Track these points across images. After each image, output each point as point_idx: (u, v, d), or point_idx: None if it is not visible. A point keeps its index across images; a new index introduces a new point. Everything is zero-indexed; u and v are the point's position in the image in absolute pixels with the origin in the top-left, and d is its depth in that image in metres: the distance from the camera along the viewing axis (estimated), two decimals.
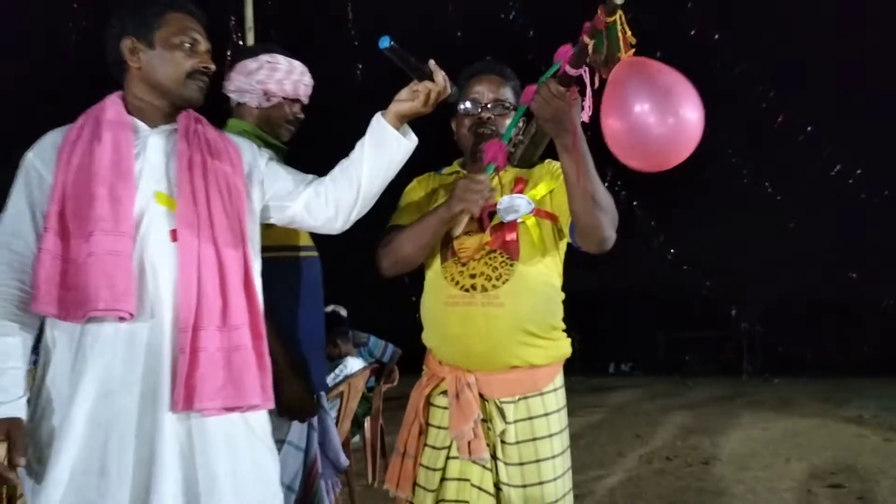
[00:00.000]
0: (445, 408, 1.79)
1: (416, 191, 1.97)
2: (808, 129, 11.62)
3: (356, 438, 4.69)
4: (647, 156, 1.47)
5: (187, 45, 1.55)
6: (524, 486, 1.72)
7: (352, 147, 1.69)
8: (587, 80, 1.53)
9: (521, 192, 1.81)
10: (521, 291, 1.74)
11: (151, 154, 1.53)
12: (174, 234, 1.47)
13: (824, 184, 11.98)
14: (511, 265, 1.75)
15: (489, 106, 1.85)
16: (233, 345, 1.47)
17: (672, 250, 13.79)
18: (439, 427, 1.80)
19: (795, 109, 11.54)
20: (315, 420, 2.04)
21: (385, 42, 1.51)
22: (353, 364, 4.62)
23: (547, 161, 1.87)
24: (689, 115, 1.43)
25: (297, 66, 2.05)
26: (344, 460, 2.15)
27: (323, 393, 2.10)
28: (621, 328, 13.47)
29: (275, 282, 1.70)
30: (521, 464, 1.73)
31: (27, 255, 1.45)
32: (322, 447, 2.07)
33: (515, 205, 1.77)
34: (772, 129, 11.66)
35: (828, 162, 11.84)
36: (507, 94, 1.87)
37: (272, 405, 1.54)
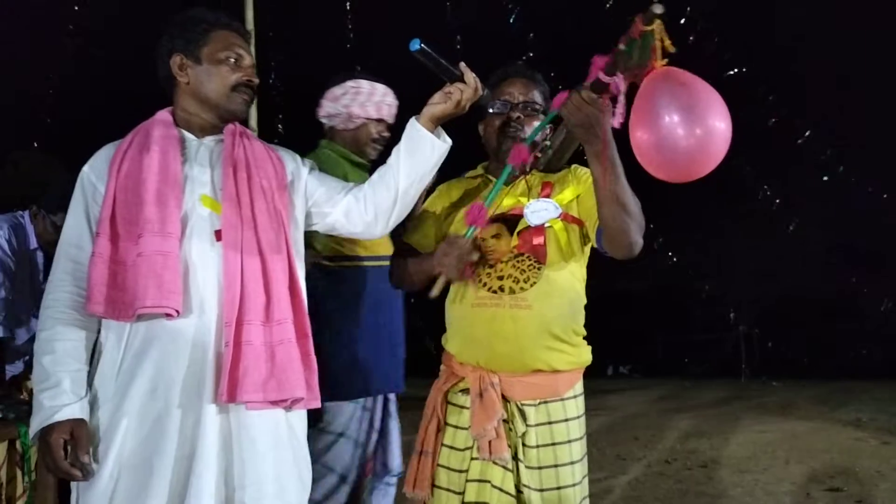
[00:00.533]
0: (464, 407, 1.79)
1: (434, 203, 1.98)
2: (808, 131, 11.65)
3: None
4: (675, 167, 1.46)
5: (232, 59, 1.61)
6: (542, 490, 1.73)
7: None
8: (620, 88, 1.52)
9: (548, 196, 1.82)
10: (548, 295, 1.75)
11: (197, 161, 1.60)
12: (218, 235, 1.53)
13: (823, 186, 12.01)
14: (539, 268, 1.76)
15: (519, 106, 1.86)
16: (276, 339, 1.51)
17: (670, 252, 13.81)
18: (457, 427, 1.79)
19: (795, 111, 11.57)
20: (378, 421, 2.13)
21: (415, 45, 1.52)
22: None
23: (574, 166, 1.88)
24: (717, 125, 1.41)
25: (380, 88, 2.19)
26: (397, 466, 2.22)
27: (392, 396, 2.20)
28: (620, 330, 13.46)
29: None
30: (540, 468, 1.74)
31: (87, 263, 1.50)
32: (383, 449, 2.18)
33: (543, 208, 1.79)
34: (770, 131, 11.68)
35: (827, 164, 11.87)
36: (537, 96, 1.89)
37: (318, 404, 1.58)
